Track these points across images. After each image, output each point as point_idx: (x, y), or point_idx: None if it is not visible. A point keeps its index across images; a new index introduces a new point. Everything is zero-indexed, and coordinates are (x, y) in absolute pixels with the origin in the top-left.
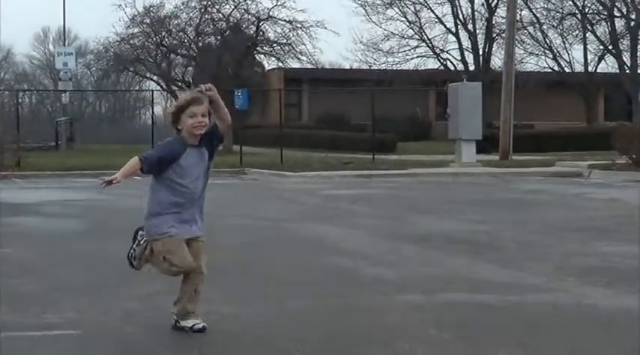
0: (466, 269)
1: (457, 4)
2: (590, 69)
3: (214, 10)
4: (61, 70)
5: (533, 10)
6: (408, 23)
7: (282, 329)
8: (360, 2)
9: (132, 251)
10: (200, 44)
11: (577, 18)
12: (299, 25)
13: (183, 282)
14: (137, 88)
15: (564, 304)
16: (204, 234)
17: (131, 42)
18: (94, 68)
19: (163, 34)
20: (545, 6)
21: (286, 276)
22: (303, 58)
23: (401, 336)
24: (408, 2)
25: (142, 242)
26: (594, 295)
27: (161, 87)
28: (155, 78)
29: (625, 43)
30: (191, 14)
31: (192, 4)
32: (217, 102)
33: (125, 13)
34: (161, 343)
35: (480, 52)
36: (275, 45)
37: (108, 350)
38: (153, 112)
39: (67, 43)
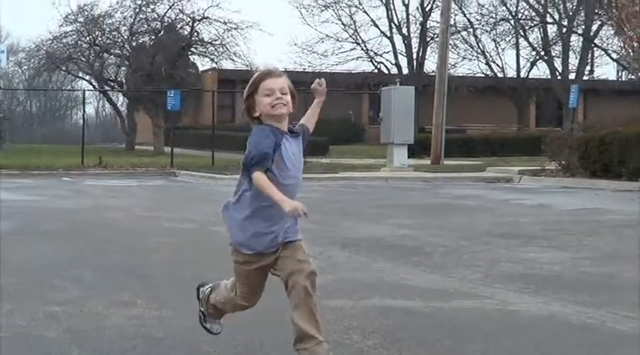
0: (394, 274)
1: (392, 7)
2: (522, 74)
3: (149, 10)
4: None
5: (467, 15)
6: (342, 26)
7: (206, 334)
8: (295, 4)
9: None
10: (134, 44)
11: (510, 24)
12: (234, 26)
13: None
14: (69, 87)
15: (490, 310)
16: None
17: (64, 40)
18: (25, 66)
19: (97, 33)
20: (479, 11)
21: (213, 280)
22: (238, 59)
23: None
24: (343, 5)
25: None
26: (520, 302)
27: (93, 86)
28: (87, 77)
29: (557, 49)
30: (125, 13)
31: (127, 4)
32: (321, 104)
33: (58, 11)
34: (83, 348)
35: (414, 56)
36: (209, 46)
37: None
38: (84, 112)
39: None
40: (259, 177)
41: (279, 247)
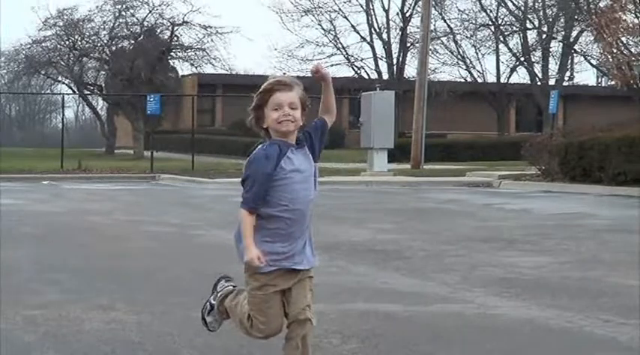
0: (373, 278)
1: (372, 13)
2: (502, 80)
3: (128, 14)
4: None
5: (448, 21)
6: (323, 31)
7: (185, 339)
8: (276, 9)
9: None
10: (113, 48)
11: (490, 29)
12: (214, 31)
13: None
14: (48, 91)
15: (470, 315)
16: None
17: (43, 44)
18: (4, 70)
19: (76, 37)
20: (460, 17)
21: (192, 284)
22: (217, 63)
23: None
24: (323, 10)
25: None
26: (500, 306)
27: (72, 90)
28: (67, 81)
29: (537, 55)
30: (105, 18)
31: (107, 8)
32: (329, 88)
33: (38, 15)
34: (62, 352)
35: (394, 62)
36: (189, 50)
37: None
38: (64, 115)
39: None
40: (242, 214)
41: (298, 270)
